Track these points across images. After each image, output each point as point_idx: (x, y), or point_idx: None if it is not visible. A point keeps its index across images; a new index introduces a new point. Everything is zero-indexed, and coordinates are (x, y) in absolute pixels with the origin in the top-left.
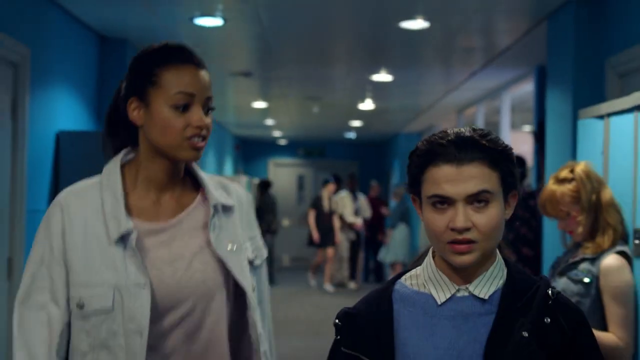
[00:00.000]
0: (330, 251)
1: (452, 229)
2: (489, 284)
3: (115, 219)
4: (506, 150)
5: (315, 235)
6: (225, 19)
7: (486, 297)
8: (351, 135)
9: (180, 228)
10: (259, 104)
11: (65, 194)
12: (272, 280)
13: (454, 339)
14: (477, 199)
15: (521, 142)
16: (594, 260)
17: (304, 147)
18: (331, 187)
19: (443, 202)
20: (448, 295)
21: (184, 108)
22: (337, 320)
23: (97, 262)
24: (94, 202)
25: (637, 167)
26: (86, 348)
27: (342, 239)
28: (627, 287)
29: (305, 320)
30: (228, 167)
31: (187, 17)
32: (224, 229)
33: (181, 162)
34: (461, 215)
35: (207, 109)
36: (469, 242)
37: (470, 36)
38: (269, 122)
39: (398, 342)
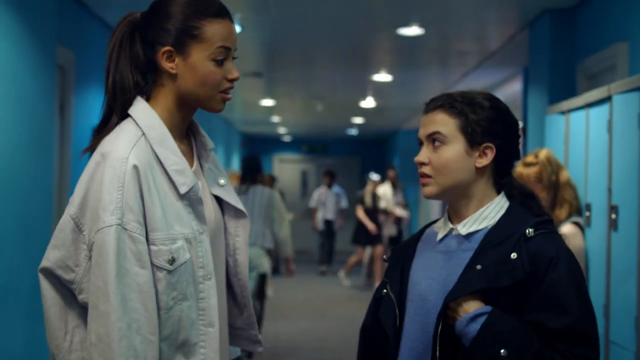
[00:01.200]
0: (379, 249)
1: (416, 163)
2: (476, 224)
3: (181, 173)
4: (474, 105)
5: (371, 225)
6: (242, 27)
7: (464, 234)
8: (353, 132)
9: (199, 173)
10: (267, 102)
11: (126, 149)
12: (278, 270)
13: (440, 270)
14: (433, 140)
15: None
16: None
17: (307, 144)
18: (376, 183)
19: (420, 143)
20: (444, 233)
21: (221, 61)
22: (384, 257)
23: (170, 216)
24: (149, 155)
25: (587, 153)
26: (172, 302)
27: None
28: (579, 251)
29: (310, 305)
30: (235, 162)
31: None
32: (215, 169)
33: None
34: (421, 152)
35: (233, 59)
36: (426, 175)
37: (462, 41)
38: (275, 119)
39: (411, 272)
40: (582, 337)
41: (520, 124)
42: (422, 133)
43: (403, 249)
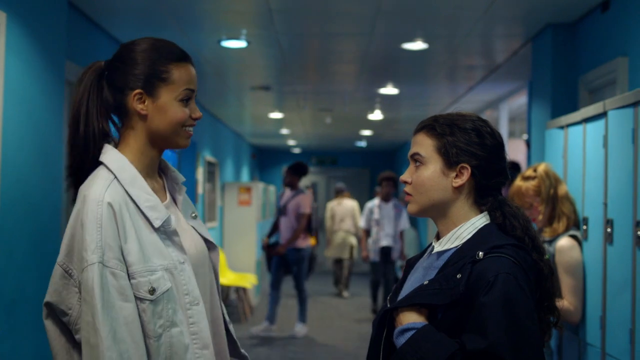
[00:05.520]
0: None
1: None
2: (449, 243)
3: (153, 209)
4: (453, 126)
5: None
6: (248, 42)
7: (436, 252)
8: (362, 144)
9: (172, 206)
10: (275, 115)
11: (101, 191)
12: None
13: (415, 284)
14: (415, 160)
15: (518, 150)
16: (551, 242)
17: (317, 156)
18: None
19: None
20: (430, 250)
21: (186, 101)
22: (404, 262)
23: (148, 250)
24: (124, 196)
25: (585, 167)
26: (160, 330)
27: None
28: (577, 263)
29: (318, 315)
30: (245, 174)
31: (215, 39)
32: (186, 203)
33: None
34: (406, 172)
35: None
36: (407, 194)
37: (468, 55)
38: (284, 131)
39: (404, 284)
40: None
41: (525, 137)
42: (409, 154)
43: (412, 261)
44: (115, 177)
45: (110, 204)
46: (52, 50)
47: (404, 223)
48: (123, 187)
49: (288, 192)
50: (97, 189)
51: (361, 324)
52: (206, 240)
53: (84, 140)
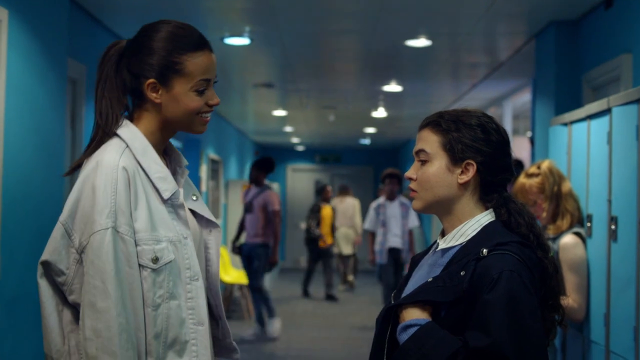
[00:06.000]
0: None
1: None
2: (454, 240)
3: (163, 180)
4: (459, 122)
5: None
6: (251, 39)
7: (441, 249)
8: (366, 141)
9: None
10: (279, 112)
11: (115, 156)
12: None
13: (420, 281)
14: (419, 157)
15: (522, 147)
16: (555, 239)
17: (320, 153)
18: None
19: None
20: (435, 247)
21: (202, 91)
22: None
23: (155, 219)
24: (136, 165)
25: (589, 164)
26: (159, 300)
27: None
28: (580, 261)
29: (321, 314)
30: (247, 171)
31: (218, 37)
32: (187, 186)
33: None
34: (410, 168)
35: (214, 82)
36: (413, 190)
37: (470, 53)
38: (288, 129)
39: (409, 281)
40: None
41: (529, 134)
42: (413, 150)
43: (417, 258)
44: (128, 146)
45: (125, 169)
46: (54, 48)
47: (413, 221)
48: (134, 156)
49: (253, 189)
50: (112, 155)
51: (365, 323)
52: (208, 221)
53: (104, 115)
